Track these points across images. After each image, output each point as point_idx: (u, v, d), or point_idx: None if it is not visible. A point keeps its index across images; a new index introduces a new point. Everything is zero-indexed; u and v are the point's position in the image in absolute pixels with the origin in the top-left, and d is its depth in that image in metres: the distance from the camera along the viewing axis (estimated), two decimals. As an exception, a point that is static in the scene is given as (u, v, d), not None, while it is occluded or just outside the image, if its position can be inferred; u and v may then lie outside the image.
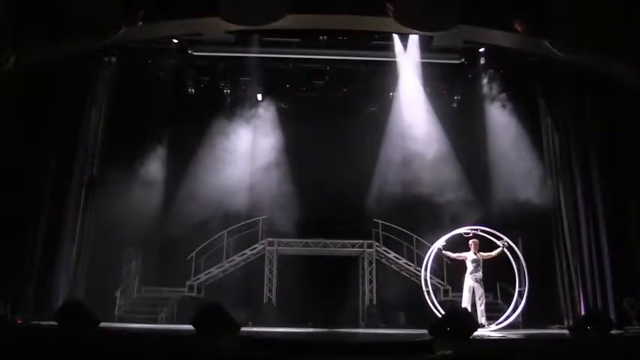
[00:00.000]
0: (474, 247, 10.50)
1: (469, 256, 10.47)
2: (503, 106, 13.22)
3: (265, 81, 13.85)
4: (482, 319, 10.31)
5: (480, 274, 10.37)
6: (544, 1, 9.83)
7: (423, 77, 13.42)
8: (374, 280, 13.91)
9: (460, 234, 10.88)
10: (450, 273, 13.46)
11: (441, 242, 10.73)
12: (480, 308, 10.32)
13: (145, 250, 13.37)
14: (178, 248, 13.37)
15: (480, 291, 10.34)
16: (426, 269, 11.28)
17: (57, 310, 8.27)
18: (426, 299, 13.67)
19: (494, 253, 10.47)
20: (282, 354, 6.16)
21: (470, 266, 10.42)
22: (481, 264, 10.43)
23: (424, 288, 11.14)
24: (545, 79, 12.95)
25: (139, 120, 13.20)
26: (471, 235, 10.76)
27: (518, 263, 10.84)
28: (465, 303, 10.31)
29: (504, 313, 12.80)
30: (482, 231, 10.82)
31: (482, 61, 13.14)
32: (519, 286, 10.85)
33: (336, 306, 13.49)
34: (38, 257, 10.73)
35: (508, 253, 10.64)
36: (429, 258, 11.23)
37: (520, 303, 10.78)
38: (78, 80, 11.92)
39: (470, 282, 10.37)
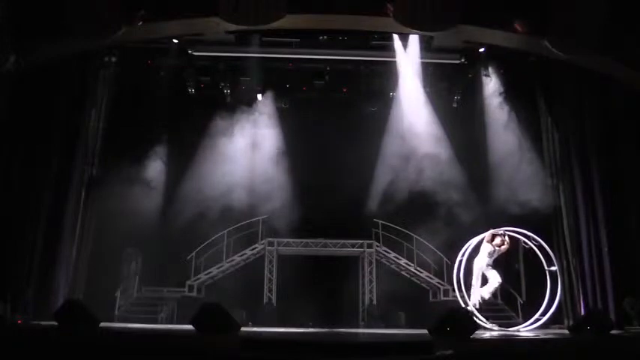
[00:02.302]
0: (500, 244, 10.24)
1: (488, 248, 10.24)
2: (503, 106, 13.23)
3: (265, 81, 13.86)
4: (476, 298, 10.19)
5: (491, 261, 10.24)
6: (544, 1, 9.83)
7: (423, 77, 13.42)
8: (374, 280, 13.90)
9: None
10: (450, 273, 13.46)
11: (488, 234, 10.34)
12: (484, 292, 10.19)
13: (145, 250, 13.35)
14: (178, 248, 13.37)
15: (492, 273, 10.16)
16: (459, 283, 10.56)
17: (57, 310, 8.26)
18: (427, 300, 13.75)
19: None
20: (282, 354, 6.16)
21: (484, 253, 10.22)
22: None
23: (470, 306, 10.30)
24: (545, 79, 12.94)
25: (139, 120, 13.21)
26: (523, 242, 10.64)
27: (554, 287, 10.51)
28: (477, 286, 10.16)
29: (505, 314, 12.87)
30: (535, 242, 10.57)
31: (482, 61, 13.15)
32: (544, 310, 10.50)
33: (336, 306, 13.49)
34: (38, 257, 10.71)
35: (547, 272, 10.52)
36: (459, 268, 10.62)
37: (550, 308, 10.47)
38: (78, 80, 11.91)
39: (486, 269, 10.20)
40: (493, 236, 10.34)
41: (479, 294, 10.23)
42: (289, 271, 13.57)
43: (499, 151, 13.02)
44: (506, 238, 10.37)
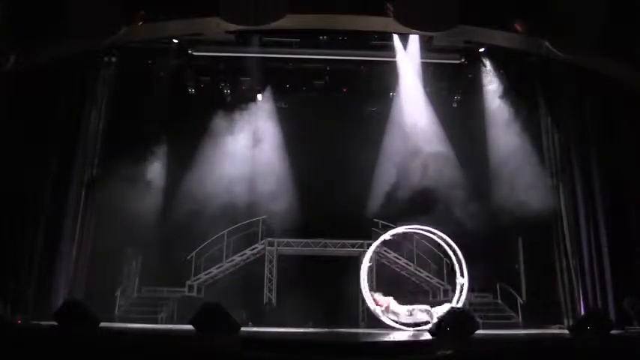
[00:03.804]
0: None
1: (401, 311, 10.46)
2: (503, 106, 13.22)
3: (265, 81, 13.86)
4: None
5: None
6: (544, 1, 9.83)
7: (423, 77, 13.41)
8: (374, 280, 13.88)
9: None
10: (450, 273, 13.48)
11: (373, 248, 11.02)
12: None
13: (145, 250, 13.35)
14: (178, 248, 13.36)
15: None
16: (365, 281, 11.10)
17: (57, 310, 8.26)
18: (427, 300, 13.76)
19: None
20: (282, 354, 6.16)
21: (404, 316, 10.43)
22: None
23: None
24: (545, 79, 12.94)
25: (139, 120, 13.20)
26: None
27: (456, 256, 10.97)
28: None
29: (505, 314, 12.87)
30: (425, 230, 11.12)
31: (482, 61, 13.15)
32: (460, 277, 10.84)
33: (336, 306, 13.48)
34: (38, 257, 10.72)
35: (446, 247, 10.88)
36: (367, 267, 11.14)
37: (461, 297, 10.76)
38: (78, 80, 11.91)
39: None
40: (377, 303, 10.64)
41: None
42: (289, 271, 13.56)
43: (499, 151, 13.02)
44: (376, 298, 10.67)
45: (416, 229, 11.39)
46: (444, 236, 11.10)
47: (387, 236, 11.07)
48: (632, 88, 10.48)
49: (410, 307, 10.41)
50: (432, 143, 13.25)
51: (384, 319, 10.51)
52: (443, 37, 11.71)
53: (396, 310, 10.45)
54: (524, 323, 12.33)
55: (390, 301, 10.55)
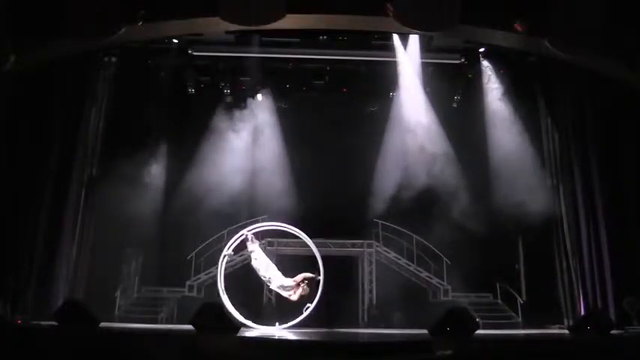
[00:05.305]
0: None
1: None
2: (503, 106, 13.22)
3: (265, 81, 13.86)
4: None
5: None
6: (544, 1, 9.83)
7: (423, 77, 13.40)
8: (374, 280, 13.89)
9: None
10: (450, 273, 13.49)
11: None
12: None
13: (145, 250, 13.35)
14: (178, 248, 13.36)
15: None
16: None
17: (57, 310, 8.27)
18: (425, 299, 13.79)
19: None
20: (282, 354, 6.16)
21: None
22: None
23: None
24: (545, 79, 12.94)
25: (139, 120, 13.21)
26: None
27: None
28: None
29: (505, 314, 12.88)
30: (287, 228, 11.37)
31: (482, 61, 13.15)
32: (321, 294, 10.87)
33: (336, 306, 13.48)
34: (38, 257, 10.71)
35: (318, 258, 11.04)
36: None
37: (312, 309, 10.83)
38: (78, 80, 11.90)
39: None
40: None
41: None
42: (289, 271, 13.53)
43: (499, 151, 13.02)
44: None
45: (276, 226, 11.64)
46: (302, 233, 11.42)
47: (245, 232, 11.23)
48: (632, 88, 10.48)
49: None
50: (432, 143, 13.25)
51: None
52: (443, 37, 11.71)
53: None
54: (524, 323, 12.34)
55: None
